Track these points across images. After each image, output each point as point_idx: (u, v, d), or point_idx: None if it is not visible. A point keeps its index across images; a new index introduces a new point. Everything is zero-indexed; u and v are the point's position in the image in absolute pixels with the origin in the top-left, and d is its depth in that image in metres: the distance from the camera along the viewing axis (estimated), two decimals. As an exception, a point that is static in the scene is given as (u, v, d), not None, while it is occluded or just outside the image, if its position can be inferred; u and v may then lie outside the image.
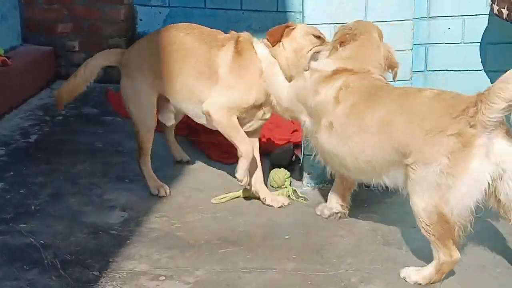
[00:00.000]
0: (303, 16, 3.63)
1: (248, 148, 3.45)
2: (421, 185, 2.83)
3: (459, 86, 3.92)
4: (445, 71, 3.93)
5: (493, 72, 3.97)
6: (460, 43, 3.90)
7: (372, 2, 3.57)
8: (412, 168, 2.85)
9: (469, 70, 3.96)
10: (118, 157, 4.19)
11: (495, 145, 2.73)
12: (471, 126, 2.73)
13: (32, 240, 3.18)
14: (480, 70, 3.98)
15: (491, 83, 3.92)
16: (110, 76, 5.55)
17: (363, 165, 3.05)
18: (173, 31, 3.65)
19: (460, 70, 3.93)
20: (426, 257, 3.06)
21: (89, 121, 4.78)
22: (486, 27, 3.92)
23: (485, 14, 3.88)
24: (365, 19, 3.57)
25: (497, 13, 3.64)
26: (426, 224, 2.86)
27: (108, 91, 5.22)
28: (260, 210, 3.53)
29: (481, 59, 3.97)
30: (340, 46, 3.24)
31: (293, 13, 5.56)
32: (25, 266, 2.97)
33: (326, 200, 3.53)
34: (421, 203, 2.85)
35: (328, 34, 3.59)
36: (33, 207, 3.52)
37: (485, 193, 2.75)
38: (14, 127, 4.60)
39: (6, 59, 4.94)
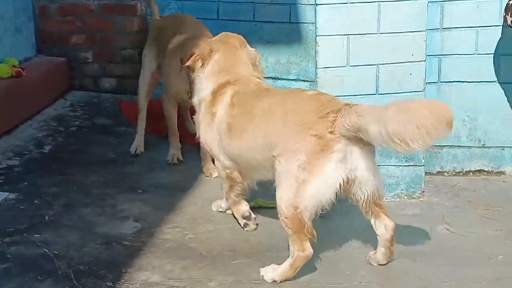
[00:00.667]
0: (315, 28, 3.63)
1: None
2: (283, 178, 2.93)
3: (473, 98, 3.93)
4: (458, 82, 3.92)
5: (507, 83, 3.96)
6: (474, 54, 3.89)
7: (385, 14, 3.58)
8: (278, 161, 2.95)
9: (483, 82, 3.95)
10: (131, 167, 4.20)
11: (352, 153, 2.86)
12: (330, 132, 2.84)
13: (46, 250, 3.19)
14: (494, 82, 3.97)
15: (505, 94, 3.97)
16: (123, 86, 5.60)
17: (253, 161, 3.16)
18: None
19: (473, 82, 3.92)
20: (441, 269, 3.05)
21: (102, 131, 4.80)
22: (500, 38, 3.91)
23: (499, 25, 3.88)
24: (378, 31, 3.58)
25: (510, 24, 3.63)
26: (285, 217, 2.95)
27: (121, 102, 5.25)
28: (273, 221, 3.52)
29: (495, 71, 3.96)
30: (202, 65, 3.37)
31: (305, 24, 5.57)
32: (39, 277, 2.97)
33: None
34: (282, 196, 2.94)
35: (341, 45, 3.59)
36: (46, 217, 3.53)
37: (337, 194, 2.90)
38: (28, 138, 4.63)
39: (21, 70, 4.98)
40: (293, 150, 2.90)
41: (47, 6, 5.68)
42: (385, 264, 3.09)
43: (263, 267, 3.05)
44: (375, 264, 3.10)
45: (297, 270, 2.98)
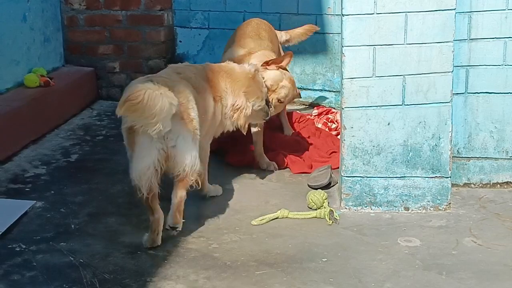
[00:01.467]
0: (341, 38, 3.63)
1: None
2: None
3: (500, 109, 3.89)
4: (485, 94, 3.88)
5: (535, 94, 3.92)
6: (501, 65, 3.85)
7: (412, 24, 3.56)
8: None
9: (511, 93, 3.90)
10: (156, 177, 4.21)
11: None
12: None
13: (72, 259, 3.22)
14: (522, 93, 3.92)
15: (534, 106, 3.92)
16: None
17: None
18: None
19: (501, 93, 3.88)
20: (467, 283, 3.01)
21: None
22: (528, 49, 3.87)
23: (527, 36, 3.84)
24: (405, 41, 3.57)
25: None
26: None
27: None
28: (296, 232, 3.52)
29: (523, 82, 3.92)
30: None
31: (331, 35, 5.59)
32: (64, 285, 2.99)
33: (362, 223, 3.50)
34: None
35: (367, 56, 3.58)
36: (72, 226, 3.56)
37: (157, 163, 3.18)
38: (55, 147, 4.69)
39: (49, 80, 5.04)
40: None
41: (76, 16, 5.76)
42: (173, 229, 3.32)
43: (286, 278, 3.04)
44: (167, 228, 3.33)
45: (156, 233, 3.30)
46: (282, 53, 4.62)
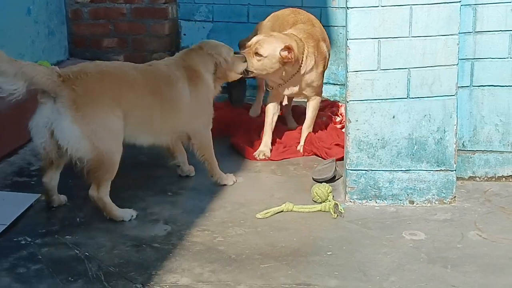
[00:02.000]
0: (346, 31, 3.62)
1: None
2: None
3: (506, 102, 3.88)
4: (491, 87, 3.87)
5: (541, 87, 3.90)
6: (507, 58, 3.83)
7: (416, 17, 3.55)
8: None
9: (516, 86, 3.89)
10: (161, 170, 4.22)
11: None
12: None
13: (77, 252, 3.23)
14: (527, 86, 3.91)
15: (539, 99, 3.91)
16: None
17: None
18: None
19: (507, 86, 3.87)
20: (473, 276, 3.02)
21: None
22: (534, 42, 3.86)
23: (533, 29, 3.82)
24: (410, 34, 3.56)
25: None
26: None
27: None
28: (301, 225, 3.52)
29: (528, 75, 3.90)
30: None
31: (336, 28, 5.58)
32: (70, 278, 3.01)
33: (367, 216, 3.50)
34: None
35: (372, 49, 3.58)
36: (78, 219, 3.57)
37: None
38: (60, 140, 4.69)
39: (53, 73, 5.04)
40: None
41: (80, 9, 5.76)
42: None
43: (291, 271, 3.05)
44: None
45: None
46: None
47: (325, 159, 4.32)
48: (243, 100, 5.17)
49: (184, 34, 5.96)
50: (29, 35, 5.10)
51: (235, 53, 4.10)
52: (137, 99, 3.57)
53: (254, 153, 4.45)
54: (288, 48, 4.18)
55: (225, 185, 3.99)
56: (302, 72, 4.35)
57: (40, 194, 3.79)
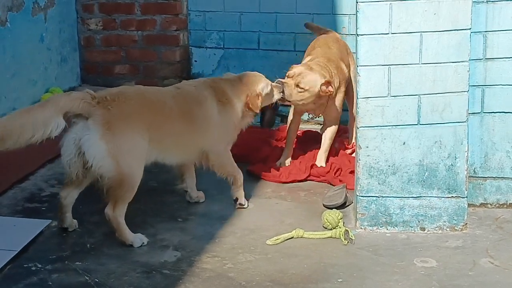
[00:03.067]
0: (356, 58, 3.64)
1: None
2: None
3: (517, 128, 3.87)
4: (502, 113, 3.87)
5: (552, 114, 3.89)
6: (518, 84, 3.84)
7: (427, 44, 3.56)
8: None
9: (527, 112, 3.88)
10: (171, 196, 4.23)
11: None
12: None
13: (87, 278, 3.22)
14: (538, 112, 3.90)
15: (550, 125, 3.89)
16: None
17: None
18: None
19: (517, 112, 3.86)
20: (483, 304, 2.99)
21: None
22: (544, 69, 3.86)
23: (543, 56, 3.83)
24: (420, 61, 3.57)
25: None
26: None
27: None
28: (312, 252, 3.50)
29: (539, 101, 3.89)
30: None
31: (346, 54, 5.57)
32: (79, 304, 3.00)
33: (378, 243, 3.48)
34: None
35: (382, 75, 3.59)
36: (88, 245, 3.57)
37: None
38: (71, 166, 4.71)
39: (65, 100, 5.07)
40: None
41: (92, 36, 5.82)
42: None
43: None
44: None
45: None
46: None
47: (335, 185, 4.31)
48: (273, 123, 5.19)
49: (195, 61, 6.00)
50: (42, 62, 5.16)
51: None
52: (168, 125, 3.67)
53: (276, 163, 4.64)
54: (328, 83, 4.36)
55: (240, 204, 4.06)
56: (336, 102, 4.59)
57: (50, 220, 3.80)
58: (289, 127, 4.75)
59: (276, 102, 4.33)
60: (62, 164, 3.53)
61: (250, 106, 4.01)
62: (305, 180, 4.48)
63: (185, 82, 4.07)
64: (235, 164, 4.06)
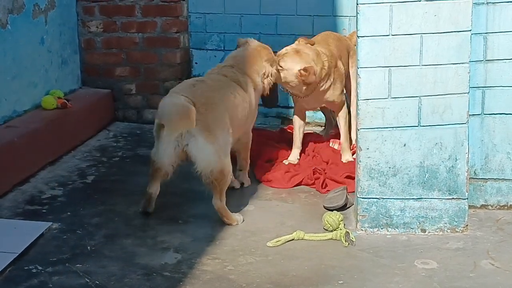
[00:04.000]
0: (357, 59, 3.64)
1: None
2: None
3: (518, 130, 3.86)
4: (502, 115, 3.87)
5: (553, 115, 3.89)
6: (518, 86, 3.83)
7: (427, 45, 3.56)
8: None
9: (528, 114, 3.88)
10: (172, 198, 4.23)
11: None
12: None
13: (88, 280, 3.22)
14: (539, 114, 3.90)
15: (551, 127, 3.89)
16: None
17: None
18: None
19: (518, 114, 3.86)
20: (484, 305, 2.98)
21: (145, 162, 4.81)
22: (545, 70, 3.85)
23: (544, 57, 3.82)
24: (420, 63, 3.57)
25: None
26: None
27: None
28: (312, 254, 3.50)
29: (540, 103, 3.89)
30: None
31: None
32: (79, 307, 3.00)
33: (378, 244, 3.48)
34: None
35: (382, 77, 3.59)
36: (88, 247, 3.57)
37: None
38: (71, 168, 4.72)
39: (66, 102, 5.09)
40: None
41: (93, 39, 5.81)
42: None
43: (303, 300, 3.02)
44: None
45: None
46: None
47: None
48: (277, 100, 5.14)
49: (196, 63, 5.99)
50: (42, 64, 5.15)
51: None
52: (234, 114, 4.02)
53: (284, 161, 4.73)
54: (306, 70, 4.37)
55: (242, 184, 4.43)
56: (320, 89, 4.58)
57: (51, 223, 3.80)
58: (294, 125, 4.85)
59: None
60: (163, 167, 3.85)
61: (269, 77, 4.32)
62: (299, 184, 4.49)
63: (214, 71, 4.27)
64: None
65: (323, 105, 4.86)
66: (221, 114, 3.87)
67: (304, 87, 4.50)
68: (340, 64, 4.74)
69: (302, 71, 4.37)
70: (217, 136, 3.79)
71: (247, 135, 4.38)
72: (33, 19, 5.05)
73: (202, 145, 3.74)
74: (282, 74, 4.45)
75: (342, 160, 4.71)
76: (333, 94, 4.67)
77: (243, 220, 3.89)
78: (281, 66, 4.44)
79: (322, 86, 4.58)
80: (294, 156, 4.77)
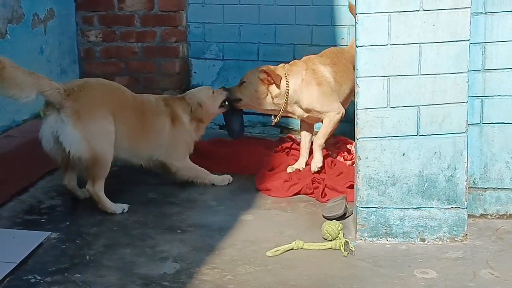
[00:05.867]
0: (356, 69, 3.65)
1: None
2: None
3: (516, 139, 3.87)
4: (501, 124, 3.87)
5: (552, 125, 3.90)
6: (517, 95, 3.84)
7: (425, 55, 3.57)
8: None
9: (526, 123, 3.89)
10: (170, 207, 4.23)
11: None
12: None
13: (86, 290, 3.22)
14: (538, 123, 3.91)
15: (550, 136, 3.89)
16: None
17: None
18: None
19: (517, 123, 3.87)
20: (484, 315, 2.98)
21: (143, 171, 4.84)
22: (543, 79, 3.86)
23: (542, 66, 3.83)
24: (419, 72, 3.58)
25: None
26: None
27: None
28: (311, 263, 3.50)
29: (539, 112, 3.90)
30: None
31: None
32: (78, 317, 2.99)
33: (378, 254, 3.47)
34: None
35: (381, 87, 3.60)
36: (87, 257, 3.56)
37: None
38: (70, 178, 4.71)
39: (65, 111, 5.07)
40: None
41: (92, 48, 5.83)
42: None
43: (302, 310, 3.01)
44: None
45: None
46: None
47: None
48: (242, 131, 5.15)
49: (195, 72, 6.01)
50: (41, 74, 5.15)
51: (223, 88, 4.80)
52: (125, 114, 4.17)
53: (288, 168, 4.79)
54: (263, 71, 4.62)
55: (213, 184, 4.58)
56: (291, 91, 4.65)
57: (50, 232, 3.79)
58: (301, 137, 4.94)
59: (240, 110, 4.79)
60: (46, 153, 4.01)
61: (196, 117, 4.55)
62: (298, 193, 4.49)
63: (148, 95, 4.58)
64: (197, 169, 4.58)
65: (309, 112, 4.78)
66: (97, 102, 4.01)
67: (273, 97, 4.64)
68: (321, 69, 4.71)
69: (263, 75, 4.61)
70: (86, 123, 3.91)
71: (174, 165, 4.52)
72: (32, 29, 5.06)
73: (70, 132, 3.89)
74: (247, 89, 4.68)
75: (311, 168, 4.69)
76: (308, 95, 4.67)
77: (125, 210, 4.09)
78: (243, 81, 4.71)
79: (291, 88, 4.63)
80: (299, 164, 4.82)
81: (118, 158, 4.21)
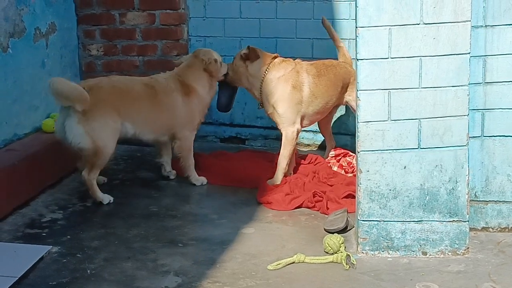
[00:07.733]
0: (356, 82, 3.65)
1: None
2: None
3: (518, 152, 3.86)
4: (502, 137, 3.87)
5: (553, 137, 3.90)
6: (518, 108, 3.84)
7: (426, 68, 3.58)
8: None
9: (527, 136, 3.89)
10: (172, 221, 4.22)
11: None
12: None
13: (87, 304, 3.21)
14: (539, 136, 3.91)
15: (551, 149, 3.89)
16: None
17: None
18: None
19: (518, 136, 3.87)
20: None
21: (145, 185, 4.85)
22: (544, 92, 3.87)
23: (543, 79, 3.84)
24: (420, 85, 3.58)
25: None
26: None
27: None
28: (313, 277, 3.49)
29: (540, 125, 3.90)
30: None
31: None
32: (79, 331, 2.98)
33: (379, 267, 3.46)
34: None
35: (382, 100, 3.60)
36: (88, 271, 3.55)
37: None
38: (72, 191, 4.71)
39: (66, 125, 5.08)
40: None
41: (94, 62, 5.84)
42: None
43: (304, 324, 3.00)
44: None
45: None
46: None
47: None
48: (228, 106, 5.19)
49: (196, 86, 6.00)
50: (43, 88, 5.16)
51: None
52: (136, 105, 4.58)
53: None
54: (248, 47, 4.85)
55: (194, 184, 4.86)
56: (267, 79, 4.80)
57: (51, 246, 3.79)
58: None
59: (234, 87, 5.01)
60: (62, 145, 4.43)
61: (211, 70, 4.83)
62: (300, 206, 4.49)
63: (157, 75, 4.89)
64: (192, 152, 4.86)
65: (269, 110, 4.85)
66: (103, 101, 4.38)
67: (249, 76, 4.85)
68: (304, 76, 4.78)
69: (243, 52, 4.86)
70: (91, 119, 4.32)
71: (183, 139, 4.80)
72: (34, 42, 5.08)
73: (74, 126, 4.31)
74: (235, 63, 4.93)
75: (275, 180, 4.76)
76: (274, 88, 4.77)
77: (111, 201, 4.48)
78: (234, 58, 4.96)
79: (264, 73, 4.79)
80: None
81: (142, 139, 4.70)
